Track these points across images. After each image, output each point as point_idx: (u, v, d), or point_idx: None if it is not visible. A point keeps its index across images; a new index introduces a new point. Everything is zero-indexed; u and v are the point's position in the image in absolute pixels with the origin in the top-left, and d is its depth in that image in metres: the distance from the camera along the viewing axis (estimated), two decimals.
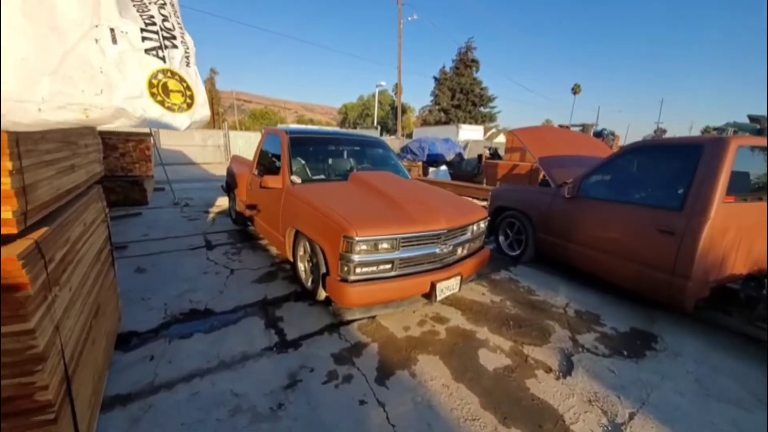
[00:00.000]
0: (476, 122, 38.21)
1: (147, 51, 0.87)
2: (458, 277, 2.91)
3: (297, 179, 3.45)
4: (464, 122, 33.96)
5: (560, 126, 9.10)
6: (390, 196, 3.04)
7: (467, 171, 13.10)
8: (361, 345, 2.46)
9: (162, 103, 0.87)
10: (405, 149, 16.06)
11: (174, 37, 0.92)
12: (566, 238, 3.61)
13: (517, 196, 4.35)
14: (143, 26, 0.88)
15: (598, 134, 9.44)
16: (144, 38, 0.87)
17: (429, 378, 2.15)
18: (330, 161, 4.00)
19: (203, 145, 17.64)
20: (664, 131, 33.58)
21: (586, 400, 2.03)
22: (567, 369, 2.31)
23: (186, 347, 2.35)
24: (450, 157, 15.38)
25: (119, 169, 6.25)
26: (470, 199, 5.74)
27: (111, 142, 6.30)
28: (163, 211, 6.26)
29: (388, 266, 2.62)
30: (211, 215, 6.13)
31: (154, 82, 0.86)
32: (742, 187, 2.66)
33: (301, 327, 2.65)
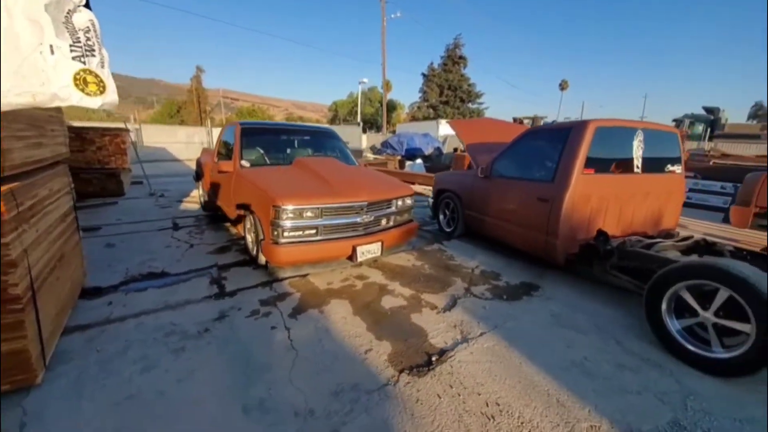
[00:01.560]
0: (464, 118, 38.87)
1: (73, 58, 1.42)
2: (379, 243, 3.50)
3: (246, 164, 4.01)
4: (452, 118, 34.61)
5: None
6: (321, 175, 3.61)
7: (444, 164, 13.71)
8: (287, 294, 3.04)
9: (82, 90, 1.42)
10: (385, 144, 16.65)
11: (93, 50, 1.47)
12: (482, 212, 4.22)
13: (451, 179, 4.96)
14: (71, 43, 1.43)
15: None
16: (72, 50, 1.42)
17: (333, 313, 2.73)
18: (279, 148, 4.55)
19: (188, 142, 18.03)
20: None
21: (452, 326, 2.63)
22: (449, 307, 2.91)
23: (140, 297, 2.91)
24: (428, 151, 16.00)
25: (96, 162, 6.73)
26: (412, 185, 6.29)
27: (88, 136, 6.78)
28: (138, 201, 6.77)
29: (313, 231, 3.20)
30: (183, 204, 6.66)
31: (78, 77, 1.41)
32: (604, 161, 3.27)
33: (240, 283, 3.22)
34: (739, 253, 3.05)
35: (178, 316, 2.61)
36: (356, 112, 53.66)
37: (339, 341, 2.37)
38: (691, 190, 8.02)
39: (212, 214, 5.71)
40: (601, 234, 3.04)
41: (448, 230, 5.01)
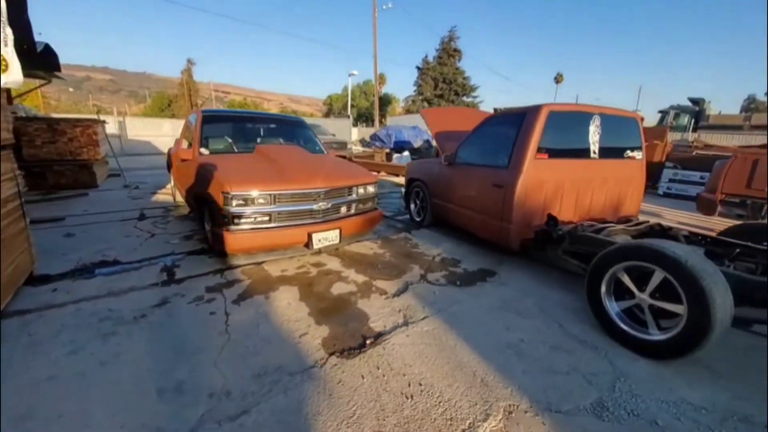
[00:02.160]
0: None
1: None
2: (337, 231, 3.47)
3: (205, 151, 3.95)
4: None
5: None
6: (279, 162, 3.57)
7: (432, 156, 13.68)
8: (236, 281, 3.01)
9: None
10: (374, 137, 16.56)
11: None
12: (447, 200, 4.20)
13: (420, 168, 4.93)
14: None
15: None
16: None
17: (278, 299, 2.71)
18: (243, 137, 4.48)
19: (173, 135, 17.79)
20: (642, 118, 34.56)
21: (397, 310, 2.62)
22: (399, 293, 2.90)
23: (86, 284, 2.87)
24: (418, 143, 15.95)
25: (68, 154, 6.63)
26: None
27: (60, 127, 6.66)
28: (111, 193, 6.69)
29: (266, 218, 3.16)
30: (156, 196, 6.59)
31: None
32: (559, 146, 3.25)
33: (192, 271, 3.19)
34: (694, 238, 3.05)
35: (118, 303, 2.58)
36: (352, 106, 53.43)
37: (276, 326, 2.36)
38: (670, 180, 8.05)
39: (181, 205, 5.66)
40: (551, 219, 3.03)
41: (417, 219, 4.99)
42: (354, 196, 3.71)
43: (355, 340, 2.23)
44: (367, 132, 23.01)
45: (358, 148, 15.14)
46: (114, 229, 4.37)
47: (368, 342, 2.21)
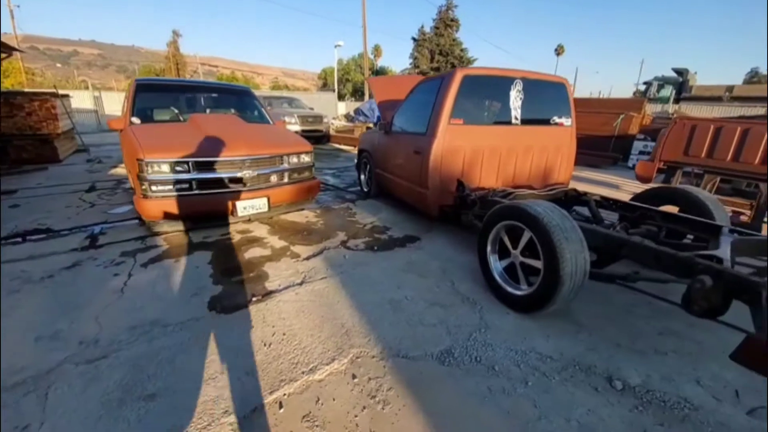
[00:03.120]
0: None
1: None
2: (265, 199, 3.52)
3: (137, 121, 3.94)
4: None
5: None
6: (206, 131, 3.56)
7: None
8: (154, 246, 3.11)
9: None
10: (357, 111, 16.23)
11: None
12: (384, 168, 4.23)
13: (366, 138, 4.92)
14: None
15: None
16: None
17: (188, 263, 2.82)
18: (182, 106, 4.44)
19: None
20: (642, 91, 33.62)
21: (300, 272, 2.72)
22: (311, 256, 2.99)
23: (13, 249, 2.98)
24: None
25: (27, 128, 6.60)
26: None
27: (16, 101, 6.60)
28: (72, 167, 6.72)
29: (186, 185, 3.21)
30: (116, 169, 6.62)
31: None
32: (477, 112, 3.23)
33: (117, 237, 3.29)
34: (605, 202, 3.11)
35: (33, 265, 2.69)
36: (346, 80, 51.99)
37: (172, 286, 2.47)
38: (640, 152, 7.98)
39: None
40: (460, 184, 3.07)
41: (365, 190, 5.03)
42: (285, 165, 3.73)
43: (243, 298, 2.34)
44: (356, 106, 22.54)
45: (341, 123, 14.89)
46: (60, 201, 4.44)
47: (254, 299, 2.32)
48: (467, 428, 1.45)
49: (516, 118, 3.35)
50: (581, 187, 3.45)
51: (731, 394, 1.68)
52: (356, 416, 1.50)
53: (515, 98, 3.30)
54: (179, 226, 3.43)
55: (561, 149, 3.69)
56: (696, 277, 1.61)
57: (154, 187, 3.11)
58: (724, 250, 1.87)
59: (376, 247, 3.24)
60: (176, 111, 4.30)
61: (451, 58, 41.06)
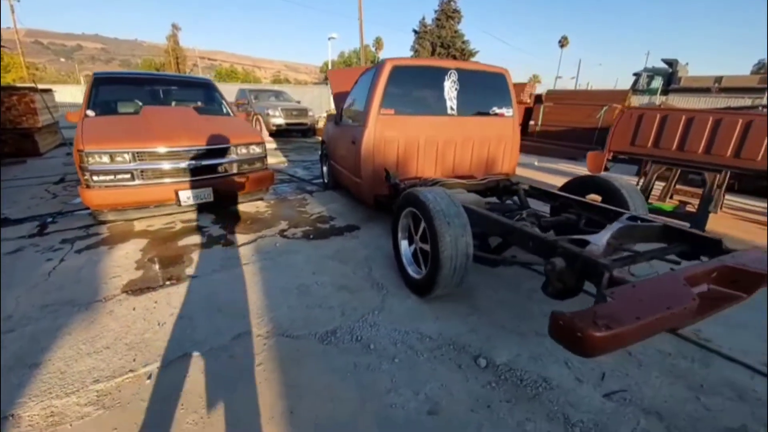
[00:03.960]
0: None
1: None
2: (209, 189, 3.64)
3: (91, 113, 4.06)
4: None
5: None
6: (152, 122, 3.68)
7: None
8: (94, 234, 3.25)
9: None
10: None
11: None
12: (335, 159, 4.30)
13: (325, 129, 4.98)
14: None
15: None
16: None
17: (120, 250, 2.94)
18: (140, 98, 4.55)
19: None
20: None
21: (226, 259, 2.83)
22: (243, 244, 3.10)
23: None
24: None
25: (7, 122, 6.80)
26: None
27: None
28: (51, 160, 6.92)
29: (128, 176, 3.33)
30: None
31: None
32: (410, 102, 3.28)
33: (65, 226, 3.43)
34: (534, 191, 3.15)
35: None
36: None
37: (97, 271, 2.59)
38: None
39: None
40: (387, 174, 3.13)
41: (326, 181, 5.11)
42: (233, 156, 3.83)
43: (157, 282, 2.46)
44: None
45: (323, 115, 14.92)
46: (27, 192, 4.61)
47: (168, 283, 2.43)
48: (315, 399, 1.55)
49: (452, 109, 3.39)
50: (553, 181, 3.49)
51: (597, 376, 1.74)
52: (215, 388, 1.60)
53: (450, 89, 3.34)
54: (125, 215, 3.56)
55: (503, 140, 3.71)
56: (548, 260, 1.67)
57: (95, 177, 3.23)
58: (601, 235, 1.91)
59: (312, 236, 3.33)
60: (135, 104, 4.41)
61: (452, 50, 40.68)
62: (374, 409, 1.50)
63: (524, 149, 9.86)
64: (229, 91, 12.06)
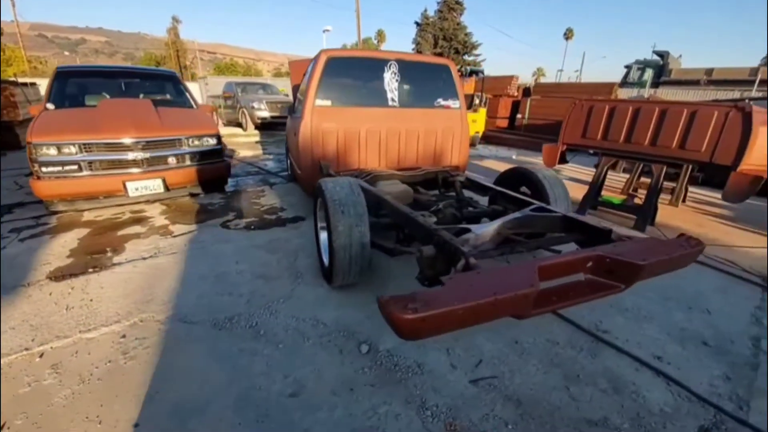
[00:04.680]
0: (476, 73, 37.14)
1: None
2: (159, 180, 3.71)
3: (51, 106, 4.14)
4: None
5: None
6: (106, 114, 3.73)
7: None
8: (43, 225, 3.34)
9: None
10: None
11: None
12: (289, 150, 4.33)
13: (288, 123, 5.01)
14: None
15: (474, 72, 9.63)
16: None
17: (60, 239, 3.03)
18: (100, 91, 4.61)
19: None
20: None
21: (157, 248, 2.89)
22: (180, 234, 3.16)
23: None
24: None
25: None
26: None
27: None
28: None
29: (75, 167, 3.41)
30: None
31: None
32: (349, 94, 3.28)
33: (21, 216, 3.54)
34: (470, 183, 3.16)
35: None
36: None
37: (31, 258, 2.68)
38: None
39: None
40: (320, 165, 3.16)
41: (290, 173, 5.15)
42: (185, 147, 3.89)
43: (82, 268, 2.53)
44: None
45: None
46: None
47: (90, 270, 2.51)
48: (184, 382, 1.60)
49: (393, 101, 3.38)
50: None
51: (474, 363, 1.77)
52: (97, 368, 1.66)
53: (390, 80, 3.33)
54: (76, 205, 3.64)
55: (451, 132, 3.70)
56: (417, 248, 1.69)
57: (44, 169, 3.32)
58: (489, 225, 1.93)
59: (253, 227, 3.38)
60: (95, 97, 4.48)
61: (454, 43, 40.18)
62: (237, 392, 1.55)
63: (509, 143, 9.80)
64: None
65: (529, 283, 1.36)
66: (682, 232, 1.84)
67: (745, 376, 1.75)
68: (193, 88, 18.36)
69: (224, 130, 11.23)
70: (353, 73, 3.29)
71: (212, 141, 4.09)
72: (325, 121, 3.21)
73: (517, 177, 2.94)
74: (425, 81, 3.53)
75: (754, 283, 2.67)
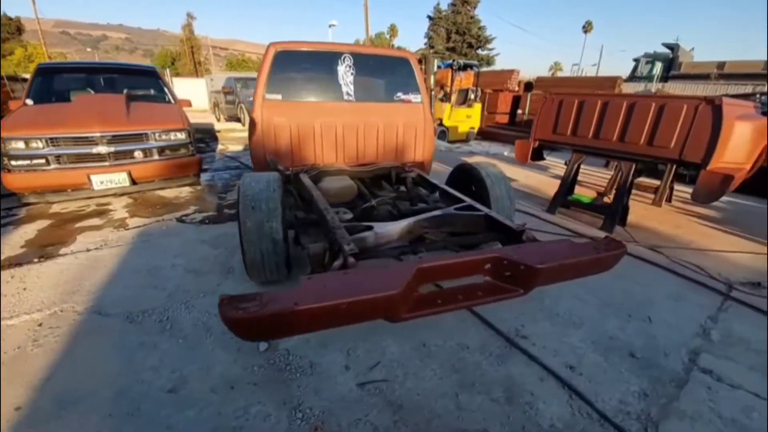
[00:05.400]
0: (470, 67, 36.48)
1: None
2: (124, 174, 3.79)
3: (30, 102, 4.29)
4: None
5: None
6: (78, 110, 3.84)
7: None
8: (12, 216, 3.47)
9: None
10: None
11: None
12: None
13: None
14: None
15: (468, 66, 9.34)
16: None
17: (21, 230, 3.15)
18: (79, 87, 4.73)
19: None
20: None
21: (107, 239, 2.95)
22: (134, 228, 3.22)
23: None
24: None
25: None
26: None
27: None
28: None
29: (42, 160, 3.52)
30: None
31: None
32: (301, 88, 3.24)
33: None
34: (419, 180, 3.09)
35: None
36: None
37: (16, 242, 2.79)
38: None
39: None
40: (273, 161, 3.13)
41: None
42: (152, 142, 3.95)
43: (29, 259, 2.61)
44: None
45: None
46: None
47: (35, 260, 2.58)
48: (75, 373, 1.62)
49: (348, 94, 3.32)
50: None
51: (370, 365, 1.71)
52: (6, 353, 1.71)
53: (345, 74, 3.27)
54: (45, 198, 3.76)
55: (413, 127, 3.60)
56: (305, 245, 1.65)
57: (13, 162, 3.44)
58: (397, 223, 1.86)
59: (208, 221, 3.41)
60: (72, 93, 4.60)
61: (468, 37, 39.49)
62: (122, 384, 1.56)
63: (508, 140, 9.52)
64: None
65: (394, 285, 1.30)
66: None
67: (665, 394, 1.62)
68: (200, 84, 18.78)
69: (223, 126, 11.44)
70: (305, 66, 3.24)
71: (181, 136, 4.14)
72: (276, 115, 3.18)
73: (465, 174, 2.84)
74: (384, 75, 3.46)
75: (716, 290, 2.49)
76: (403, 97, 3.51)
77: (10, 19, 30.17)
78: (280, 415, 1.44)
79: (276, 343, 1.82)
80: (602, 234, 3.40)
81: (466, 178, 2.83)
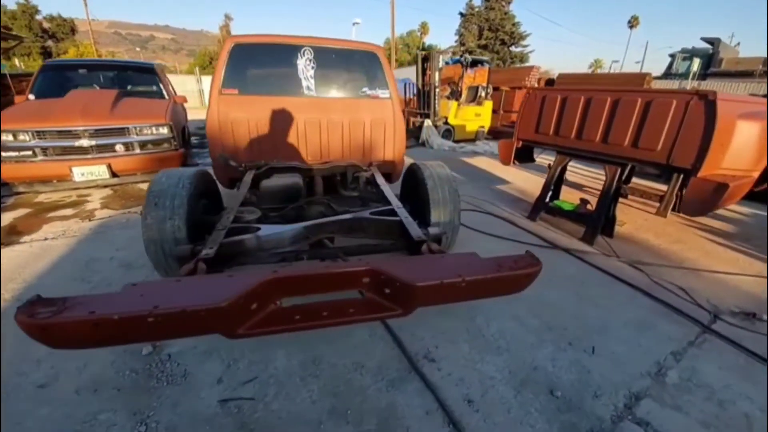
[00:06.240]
0: (504, 64, 35.20)
1: None
2: (104, 167, 3.94)
3: (32, 97, 4.58)
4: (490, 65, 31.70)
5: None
6: (67, 104, 4.04)
7: None
8: (2, 203, 3.69)
9: None
10: None
11: None
12: None
13: None
14: None
15: (479, 62, 8.79)
16: None
17: (5, 216, 3.33)
18: (79, 83, 4.99)
19: (193, 91, 19.38)
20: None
21: (68, 230, 3.05)
22: (100, 219, 3.31)
23: None
24: (407, 98, 15.24)
25: None
26: None
27: None
28: None
29: (29, 152, 3.74)
30: None
31: None
32: (259, 82, 3.17)
33: None
34: (372, 179, 2.94)
35: None
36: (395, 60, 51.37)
37: None
38: None
39: None
40: (222, 157, 3.09)
41: None
42: (134, 136, 4.08)
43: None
44: None
45: None
46: None
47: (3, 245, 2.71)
48: None
49: (309, 89, 3.21)
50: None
51: (244, 380, 1.58)
52: None
53: (305, 67, 3.15)
54: (36, 188, 3.99)
55: (381, 124, 3.42)
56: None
57: (4, 153, 3.67)
58: (289, 227, 1.72)
59: None
60: (70, 89, 4.83)
61: (501, 33, 38.15)
62: (3, 374, 1.55)
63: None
64: None
65: (223, 297, 1.16)
66: (527, 249, 1.47)
67: None
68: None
69: None
70: (263, 60, 3.17)
71: (163, 130, 4.23)
72: (233, 110, 3.14)
73: (412, 176, 2.63)
74: (348, 69, 3.30)
75: (695, 320, 2.11)
76: (368, 92, 3.34)
77: (65, 20, 33.27)
78: (124, 426, 1.35)
79: (163, 347, 1.75)
80: (582, 245, 3.05)
81: (414, 179, 2.62)
